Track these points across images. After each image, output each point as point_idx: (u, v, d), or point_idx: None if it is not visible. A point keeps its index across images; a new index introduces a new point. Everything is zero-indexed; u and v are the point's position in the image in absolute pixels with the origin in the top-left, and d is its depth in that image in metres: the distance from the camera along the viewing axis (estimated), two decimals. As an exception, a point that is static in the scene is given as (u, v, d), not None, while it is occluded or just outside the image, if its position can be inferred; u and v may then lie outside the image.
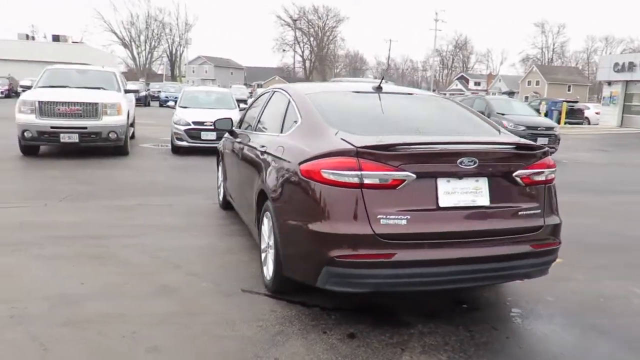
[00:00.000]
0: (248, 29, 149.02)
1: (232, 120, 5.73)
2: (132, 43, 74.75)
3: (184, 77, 79.06)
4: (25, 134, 9.97)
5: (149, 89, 38.01)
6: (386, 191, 3.00)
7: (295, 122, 3.81)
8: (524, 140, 3.46)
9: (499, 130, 3.83)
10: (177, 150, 11.79)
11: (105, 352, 2.95)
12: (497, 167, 3.23)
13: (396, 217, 2.98)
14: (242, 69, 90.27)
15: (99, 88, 11.37)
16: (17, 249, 4.65)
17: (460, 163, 3.07)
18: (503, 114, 14.30)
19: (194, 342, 3.08)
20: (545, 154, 3.42)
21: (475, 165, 3.10)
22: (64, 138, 10.04)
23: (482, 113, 14.63)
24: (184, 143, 11.60)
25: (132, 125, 13.59)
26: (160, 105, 34.37)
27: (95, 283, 3.92)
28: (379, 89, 4.17)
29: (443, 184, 3.10)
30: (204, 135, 11.65)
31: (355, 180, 2.97)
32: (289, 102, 4.11)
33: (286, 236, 3.39)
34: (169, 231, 5.40)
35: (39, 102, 10.04)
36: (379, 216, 2.97)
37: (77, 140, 10.13)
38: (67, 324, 3.24)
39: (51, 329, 3.17)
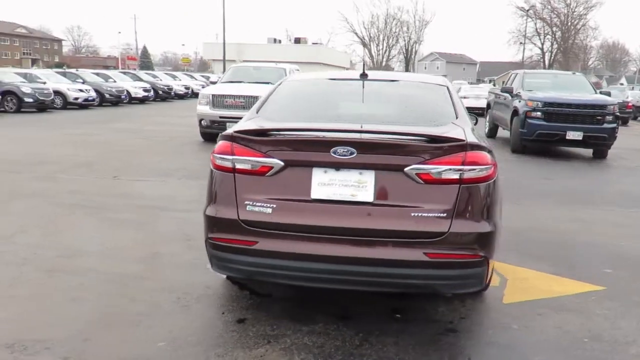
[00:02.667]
0: (484, 23, 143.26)
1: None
2: (371, 42, 78.77)
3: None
4: (202, 122, 11.77)
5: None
6: (256, 177, 2.93)
7: None
8: (433, 132, 2.91)
9: (456, 116, 3.29)
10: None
11: (39, 295, 3.55)
12: (387, 159, 2.82)
13: (262, 204, 2.89)
14: (475, 64, 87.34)
15: (267, 83, 12.69)
16: (97, 211, 5.70)
17: (334, 153, 2.79)
18: None
19: (109, 300, 3.49)
20: (474, 147, 2.83)
21: (354, 155, 2.78)
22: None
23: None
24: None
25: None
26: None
27: (110, 245, 4.61)
28: (363, 76, 3.94)
29: (319, 175, 2.86)
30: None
31: (229, 164, 2.98)
32: None
33: None
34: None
35: (212, 95, 11.74)
36: (245, 202, 2.92)
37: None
38: (49, 271, 3.96)
39: (36, 272, 3.93)
